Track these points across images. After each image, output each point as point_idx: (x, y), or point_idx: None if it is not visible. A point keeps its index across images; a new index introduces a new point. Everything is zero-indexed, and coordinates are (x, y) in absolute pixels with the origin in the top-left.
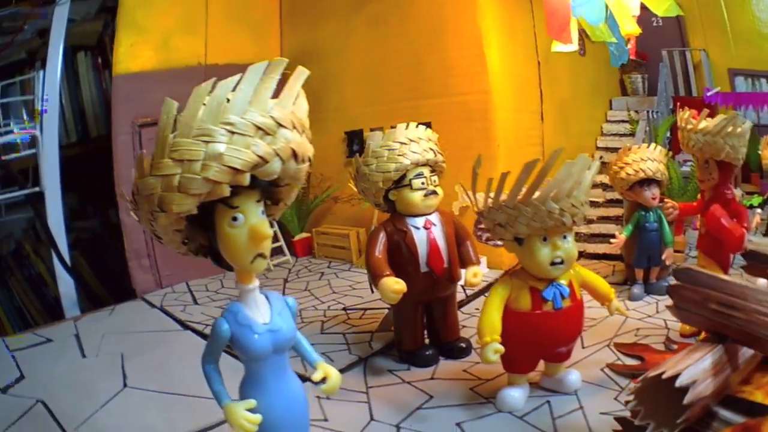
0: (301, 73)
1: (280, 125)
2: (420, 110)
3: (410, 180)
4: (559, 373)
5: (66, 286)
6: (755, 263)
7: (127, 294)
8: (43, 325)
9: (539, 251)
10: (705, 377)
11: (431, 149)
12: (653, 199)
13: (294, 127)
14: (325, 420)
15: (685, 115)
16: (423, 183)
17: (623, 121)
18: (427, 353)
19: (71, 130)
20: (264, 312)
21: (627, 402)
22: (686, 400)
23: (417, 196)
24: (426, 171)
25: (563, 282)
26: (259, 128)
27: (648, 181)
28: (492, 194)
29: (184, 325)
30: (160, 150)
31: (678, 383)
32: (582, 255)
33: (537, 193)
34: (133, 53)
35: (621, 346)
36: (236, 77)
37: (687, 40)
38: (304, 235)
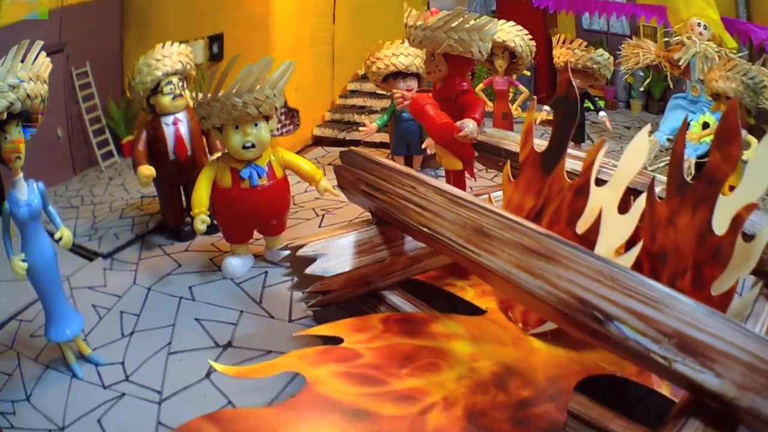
0: (38, 45)
1: (21, 81)
2: (216, 23)
3: (162, 87)
4: (276, 246)
5: None
6: (485, 154)
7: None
8: None
9: (232, 137)
10: (341, 253)
11: (180, 62)
12: (408, 91)
13: (30, 79)
14: (105, 286)
15: (407, 11)
16: (171, 89)
17: None
18: (185, 229)
19: None
20: (24, 193)
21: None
22: (307, 270)
23: (167, 99)
24: (175, 79)
25: (261, 163)
26: (10, 86)
27: (403, 74)
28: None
29: None
30: None
31: (299, 253)
32: (360, 143)
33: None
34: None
35: None
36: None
37: None
38: (131, 137)
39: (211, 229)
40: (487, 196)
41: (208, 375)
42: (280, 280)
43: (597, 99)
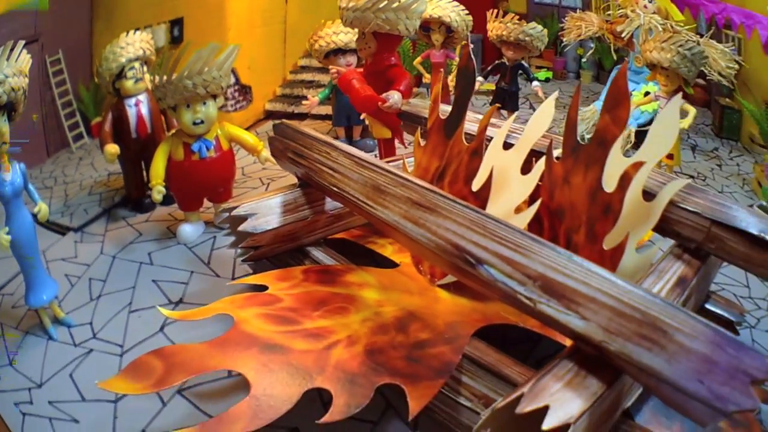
0: (19, 45)
1: (7, 77)
2: (176, 8)
3: (126, 72)
4: None
5: None
6: (408, 122)
7: None
8: None
9: (184, 115)
10: (268, 212)
11: (142, 48)
12: (348, 66)
13: (14, 74)
14: (76, 257)
15: None
16: (134, 73)
17: None
18: (146, 201)
19: None
20: (10, 173)
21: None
22: (239, 227)
23: (130, 83)
24: (137, 64)
25: (209, 137)
26: None
27: (342, 51)
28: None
29: None
30: None
31: (233, 213)
32: (308, 116)
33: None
34: None
35: None
36: None
37: None
38: (98, 119)
39: (168, 200)
40: (402, 162)
41: (162, 329)
42: (226, 243)
43: (544, 69)
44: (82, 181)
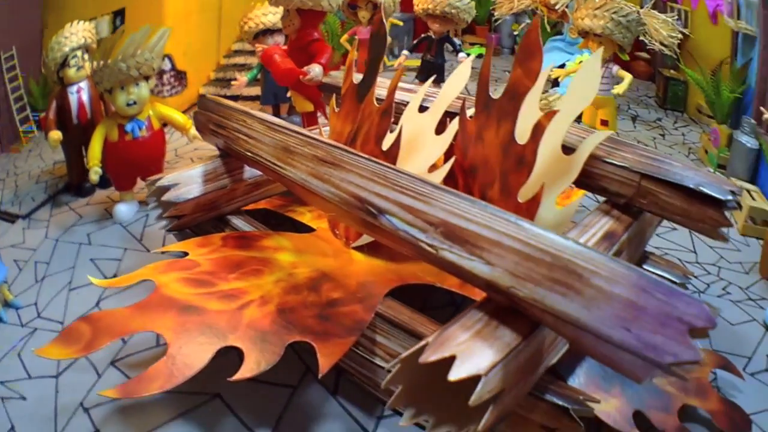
0: None
1: None
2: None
3: (69, 61)
4: None
5: None
6: (329, 94)
7: None
8: None
9: (118, 97)
10: (189, 182)
11: (84, 37)
12: (275, 45)
13: None
14: (23, 242)
15: None
16: (76, 62)
17: None
18: (86, 185)
19: None
20: None
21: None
22: (162, 198)
23: (72, 71)
24: (79, 53)
25: (141, 117)
26: None
27: (270, 31)
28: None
29: None
30: None
31: (157, 184)
32: (239, 98)
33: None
34: None
35: None
36: None
37: None
38: None
39: (106, 183)
40: (318, 129)
41: (98, 303)
42: (157, 221)
43: (477, 45)
44: (30, 171)
